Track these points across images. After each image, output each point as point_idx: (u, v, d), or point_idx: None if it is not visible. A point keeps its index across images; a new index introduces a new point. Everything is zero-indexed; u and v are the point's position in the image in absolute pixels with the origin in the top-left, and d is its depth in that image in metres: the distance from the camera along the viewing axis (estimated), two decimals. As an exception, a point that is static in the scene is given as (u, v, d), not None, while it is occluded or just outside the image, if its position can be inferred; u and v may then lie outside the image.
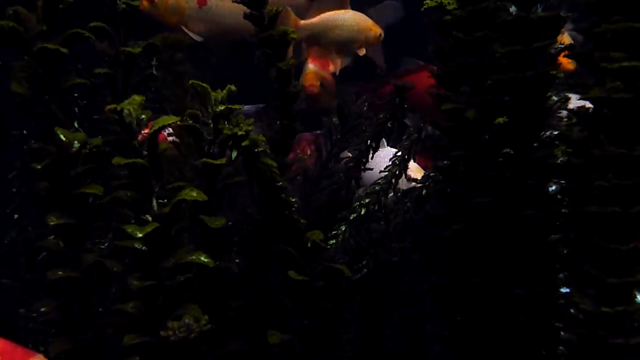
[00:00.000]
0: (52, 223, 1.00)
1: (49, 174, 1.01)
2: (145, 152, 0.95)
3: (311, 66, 1.87)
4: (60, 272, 1.00)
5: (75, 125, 1.23)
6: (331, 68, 1.92)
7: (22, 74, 0.99)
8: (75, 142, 1.00)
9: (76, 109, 1.47)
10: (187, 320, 0.88)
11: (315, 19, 1.93)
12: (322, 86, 1.82)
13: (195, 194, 0.95)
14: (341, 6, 1.97)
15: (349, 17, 1.96)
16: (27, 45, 0.98)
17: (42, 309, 1.03)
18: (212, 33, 1.80)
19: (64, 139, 0.99)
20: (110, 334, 1.04)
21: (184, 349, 0.92)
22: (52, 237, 1.04)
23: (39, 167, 1.00)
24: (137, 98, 0.96)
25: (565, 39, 1.31)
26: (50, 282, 1.00)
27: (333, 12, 1.95)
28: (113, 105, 0.94)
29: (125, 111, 0.94)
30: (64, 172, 1.00)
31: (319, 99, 1.82)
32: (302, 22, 1.90)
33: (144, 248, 0.95)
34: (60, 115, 1.03)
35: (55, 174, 1.01)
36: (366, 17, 1.98)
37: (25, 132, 1.64)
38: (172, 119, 0.96)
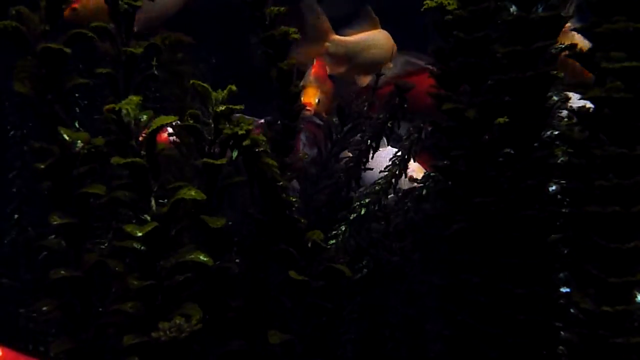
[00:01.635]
0: (54, 222, 0.99)
1: (51, 173, 1.01)
2: (143, 152, 0.95)
3: (312, 79, 1.86)
4: (62, 272, 1.00)
5: (76, 125, 1.22)
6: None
7: (24, 73, 0.98)
8: (78, 141, 1.00)
9: (77, 109, 1.47)
10: (177, 321, 0.88)
11: (352, 38, 1.93)
12: (320, 103, 1.81)
13: (193, 193, 0.95)
14: (373, 26, 1.97)
15: (381, 37, 1.97)
16: (29, 45, 0.98)
17: (44, 309, 1.03)
18: (141, 23, 1.78)
19: (67, 138, 0.99)
20: (112, 334, 1.04)
21: (183, 348, 0.92)
22: (53, 236, 1.04)
23: (42, 166, 1.00)
24: (135, 98, 0.95)
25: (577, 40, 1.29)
26: (52, 281, 1.00)
27: (369, 33, 1.96)
28: (111, 105, 0.94)
29: (123, 111, 0.94)
30: (66, 171, 1.00)
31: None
32: (337, 37, 1.90)
33: (142, 248, 0.95)
34: (63, 115, 1.02)
35: (58, 173, 1.01)
36: (389, 35, 1.99)
37: (25, 132, 1.65)
38: (170, 118, 0.96)
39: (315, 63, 1.88)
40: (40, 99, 1.00)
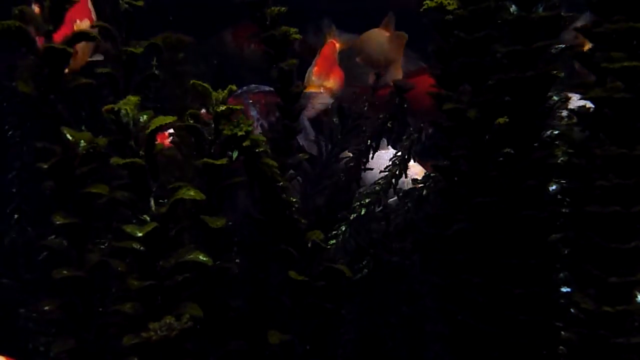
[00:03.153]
0: (58, 222, 0.99)
1: (54, 173, 1.00)
2: (142, 152, 0.95)
3: (314, 78, 1.85)
4: (65, 272, 1.00)
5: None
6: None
7: (28, 73, 0.98)
8: (82, 141, 1.00)
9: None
10: (167, 320, 0.88)
11: None
12: None
13: (192, 193, 0.95)
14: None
15: None
16: (33, 44, 0.97)
17: (46, 308, 1.02)
18: None
19: (70, 138, 0.99)
20: (113, 334, 1.03)
21: (181, 348, 0.92)
22: (54, 236, 1.04)
23: (45, 166, 0.99)
24: (133, 98, 0.95)
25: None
26: (54, 281, 1.00)
27: None
28: (110, 106, 0.94)
29: (122, 111, 0.94)
30: (69, 171, 1.00)
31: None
32: None
33: (142, 248, 0.95)
34: (65, 114, 1.02)
35: (61, 173, 1.00)
36: None
37: (23, 132, 1.64)
38: (169, 118, 0.96)
39: (317, 61, 1.87)
40: (44, 99, 1.00)
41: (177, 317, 0.90)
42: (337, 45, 1.90)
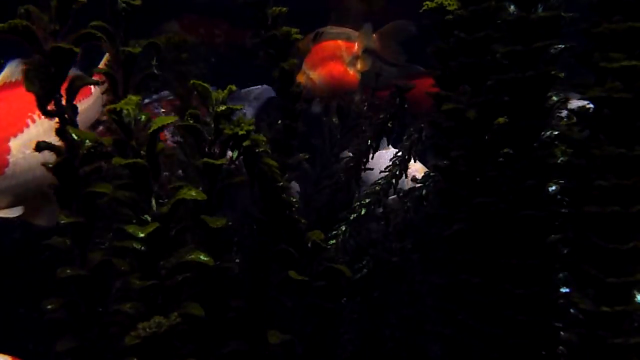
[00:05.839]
0: (62, 221, 1.00)
1: (59, 172, 1.01)
2: (143, 152, 0.95)
3: (302, 66, 1.84)
4: (68, 271, 1.00)
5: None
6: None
7: (34, 72, 0.98)
8: (87, 140, 1.00)
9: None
10: (157, 320, 0.88)
11: None
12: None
13: (194, 193, 0.95)
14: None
15: None
16: (40, 44, 0.97)
17: (49, 307, 1.02)
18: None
19: (75, 137, 0.99)
20: (114, 333, 1.04)
21: (177, 347, 0.92)
22: (56, 236, 1.04)
23: (50, 165, 1.00)
24: (134, 98, 0.95)
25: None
26: (57, 280, 1.00)
27: None
28: (112, 106, 0.94)
29: (124, 111, 0.94)
30: (74, 170, 1.00)
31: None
32: None
33: (143, 248, 0.95)
34: (70, 114, 1.02)
35: (66, 172, 1.01)
36: None
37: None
38: (169, 119, 0.96)
39: (310, 50, 1.86)
40: (50, 98, 1.00)
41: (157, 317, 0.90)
42: (355, 45, 1.86)
